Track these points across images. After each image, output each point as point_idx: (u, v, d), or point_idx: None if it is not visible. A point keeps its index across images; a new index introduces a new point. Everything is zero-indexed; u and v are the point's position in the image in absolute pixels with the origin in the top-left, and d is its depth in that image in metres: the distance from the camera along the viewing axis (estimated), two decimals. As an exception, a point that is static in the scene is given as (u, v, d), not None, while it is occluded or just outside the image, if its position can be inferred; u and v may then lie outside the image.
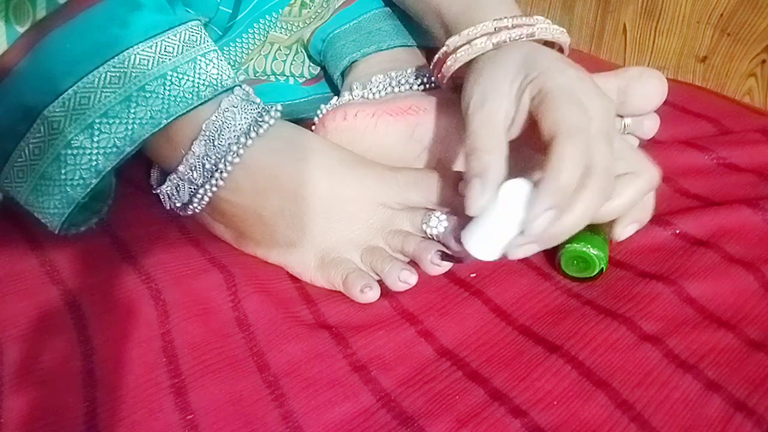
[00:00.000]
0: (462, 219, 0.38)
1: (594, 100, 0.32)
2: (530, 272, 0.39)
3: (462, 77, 0.37)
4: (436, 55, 0.40)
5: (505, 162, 0.32)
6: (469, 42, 0.37)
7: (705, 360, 0.32)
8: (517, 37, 0.36)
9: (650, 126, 0.47)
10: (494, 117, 0.33)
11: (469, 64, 0.37)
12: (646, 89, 0.44)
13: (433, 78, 0.43)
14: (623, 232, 0.36)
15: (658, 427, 0.29)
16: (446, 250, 0.37)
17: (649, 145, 0.49)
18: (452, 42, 0.38)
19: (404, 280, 0.37)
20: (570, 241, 0.37)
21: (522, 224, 0.30)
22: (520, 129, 0.33)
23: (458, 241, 0.33)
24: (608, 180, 0.30)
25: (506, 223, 0.31)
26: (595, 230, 0.38)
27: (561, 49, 0.40)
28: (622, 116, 0.47)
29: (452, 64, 0.38)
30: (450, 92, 0.41)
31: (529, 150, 0.35)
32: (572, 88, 0.32)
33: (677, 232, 0.41)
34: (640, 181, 0.32)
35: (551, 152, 0.30)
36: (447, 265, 0.37)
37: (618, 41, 0.67)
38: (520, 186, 0.31)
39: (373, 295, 0.37)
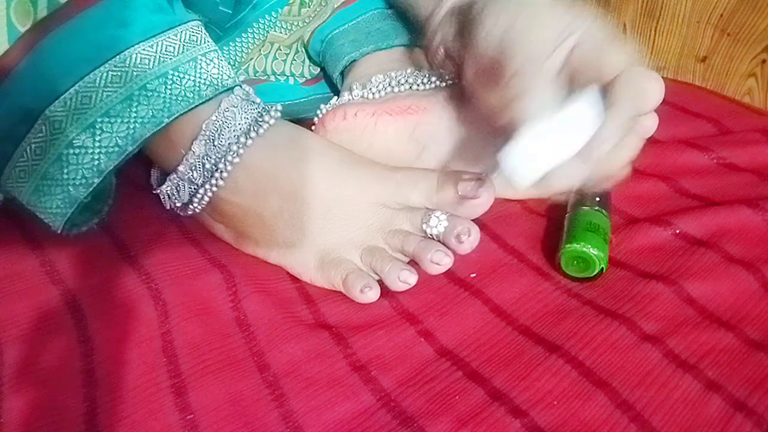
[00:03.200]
0: (461, 219, 0.38)
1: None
2: (530, 272, 0.39)
3: (451, 50, 0.36)
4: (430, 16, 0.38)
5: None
6: None
7: (705, 360, 0.32)
8: None
9: (649, 125, 0.47)
10: (547, 46, 0.31)
11: (469, 10, 0.36)
12: (644, 89, 0.44)
13: (432, 77, 0.43)
14: (650, 123, 0.35)
15: (658, 427, 0.29)
16: (446, 250, 0.37)
17: (649, 145, 0.49)
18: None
19: (404, 280, 0.37)
20: (570, 241, 0.37)
21: (580, 146, 0.29)
22: (561, 66, 0.32)
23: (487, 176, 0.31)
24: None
25: (569, 139, 0.29)
26: (595, 230, 0.38)
27: None
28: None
29: None
30: (444, 82, 0.41)
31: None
32: (618, 42, 0.33)
33: (677, 232, 0.41)
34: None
35: (624, 83, 0.30)
36: (447, 265, 0.37)
37: (618, 41, 0.66)
38: (593, 100, 0.29)
39: (373, 295, 0.37)
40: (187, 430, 0.30)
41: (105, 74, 0.34)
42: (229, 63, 0.47)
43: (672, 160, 0.48)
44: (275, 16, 0.50)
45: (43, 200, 0.36)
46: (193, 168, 0.37)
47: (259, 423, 0.31)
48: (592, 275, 0.37)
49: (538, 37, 0.31)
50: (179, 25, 0.36)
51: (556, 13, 0.32)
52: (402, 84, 0.45)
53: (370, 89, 0.45)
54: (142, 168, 0.46)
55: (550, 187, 0.30)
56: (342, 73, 0.49)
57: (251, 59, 0.51)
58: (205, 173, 0.37)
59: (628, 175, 0.37)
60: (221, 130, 0.37)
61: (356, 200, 0.38)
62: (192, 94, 0.36)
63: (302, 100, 0.52)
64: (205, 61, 0.36)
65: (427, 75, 0.45)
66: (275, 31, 0.51)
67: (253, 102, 0.38)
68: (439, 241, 0.38)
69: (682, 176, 0.47)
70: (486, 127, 0.38)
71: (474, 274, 0.39)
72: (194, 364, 0.33)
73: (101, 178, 0.35)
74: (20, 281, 0.38)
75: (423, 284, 0.38)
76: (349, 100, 0.45)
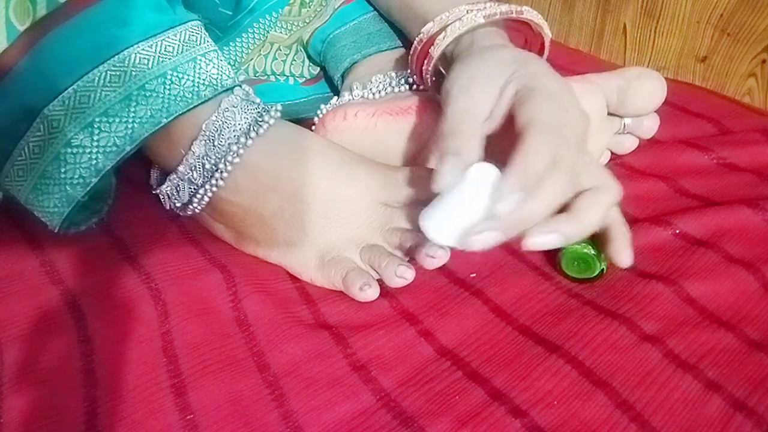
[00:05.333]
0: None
1: (575, 111, 0.33)
2: (530, 272, 0.39)
3: (441, 75, 0.38)
4: (414, 43, 0.40)
5: (481, 149, 0.33)
6: (445, 27, 0.37)
7: (705, 360, 0.32)
8: (506, 10, 0.37)
9: (650, 126, 0.47)
10: (477, 105, 0.34)
11: (452, 59, 0.38)
12: (645, 89, 0.44)
13: (411, 79, 0.44)
14: (624, 256, 0.35)
15: (658, 427, 0.29)
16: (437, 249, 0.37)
17: (649, 145, 0.49)
18: (427, 29, 0.38)
19: (401, 275, 0.37)
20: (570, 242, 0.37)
21: (485, 210, 0.30)
22: (496, 124, 0.34)
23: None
24: (572, 176, 0.31)
25: (470, 205, 0.30)
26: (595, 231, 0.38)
27: (542, 47, 0.42)
28: (621, 116, 0.47)
29: (441, 43, 0.38)
30: (433, 91, 0.42)
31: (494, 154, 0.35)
32: (558, 94, 0.33)
33: (677, 232, 0.41)
34: (603, 195, 0.33)
35: (523, 141, 0.30)
36: (442, 257, 0.37)
37: (618, 41, 0.67)
38: (488, 170, 0.31)
39: (372, 293, 0.37)
40: (187, 430, 0.30)
41: (104, 74, 0.34)
42: (229, 63, 0.47)
43: (672, 160, 0.48)
44: (275, 16, 0.50)
45: (40, 199, 0.36)
46: (193, 168, 0.37)
47: (259, 423, 0.31)
48: (592, 276, 0.37)
49: (465, 104, 0.34)
50: (179, 25, 0.36)
51: (492, 74, 0.34)
52: (402, 84, 0.45)
53: (371, 89, 0.45)
54: (142, 168, 0.45)
55: (470, 246, 0.31)
56: (343, 75, 0.49)
57: (251, 59, 0.51)
58: (205, 173, 0.37)
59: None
60: (221, 131, 0.37)
61: (356, 199, 0.38)
62: (191, 95, 0.36)
63: (302, 100, 0.52)
64: (205, 62, 0.36)
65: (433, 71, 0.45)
66: (275, 31, 0.51)
67: (253, 102, 0.38)
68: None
69: (682, 176, 0.47)
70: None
71: (474, 274, 0.39)
72: (194, 364, 0.33)
73: (99, 178, 0.35)
74: (20, 281, 0.38)
75: (423, 284, 0.38)
76: (349, 100, 0.45)
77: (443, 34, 0.38)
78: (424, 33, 0.40)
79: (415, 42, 0.40)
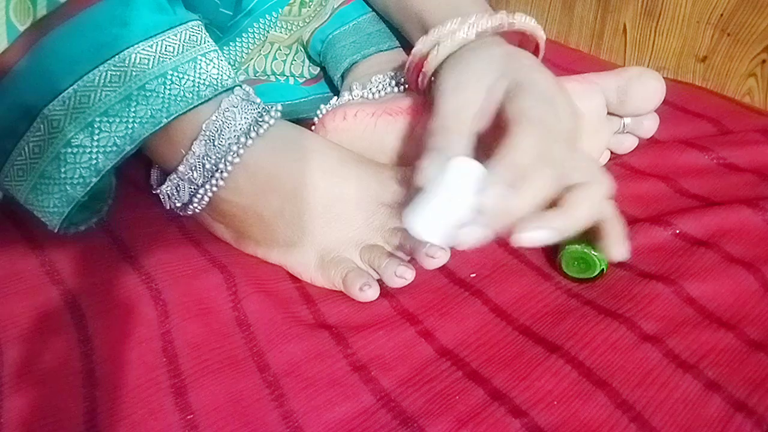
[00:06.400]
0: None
1: (565, 107, 0.33)
2: (530, 272, 0.39)
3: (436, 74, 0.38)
4: (409, 59, 0.40)
5: (469, 146, 0.33)
6: (451, 34, 0.37)
7: (705, 360, 0.32)
8: (496, 23, 0.37)
9: (649, 126, 0.47)
10: (467, 103, 0.34)
11: (444, 61, 0.38)
12: (645, 89, 0.44)
13: (404, 81, 0.44)
14: (619, 250, 0.35)
15: (658, 427, 0.29)
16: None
17: (649, 145, 0.50)
18: (424, 41, 0.38)
19: (400, 275, 0.37)
20: (571, 242, 0.37)
21: (469, 205, 0.30)
22: (486, 120, 0.34)
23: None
24: (559, 171, 0.31)
25: (452, 200, 0.30)
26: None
27: (537, 48, 0.41)
28: (621, 116, 0.47)
29: (434, 60, 0.38)
30: (428, 93, 0.42)
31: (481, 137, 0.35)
32: (547, 89, 0.33)
33: (677, 232, 0.41)
34: (593, 189, 0.32)
35: (510, 136, 0.30)
36: (443, 258, 0.37)
37: (618, 41, 0.67)
38: (469, 164, 0.30)
39: (372, 293, 0.37)
40: (187, 430, 0.30)
41: (104, 74, 0.34)
42: (230, 63, 0.47)
43: (672, 160, 0.48)
44: (275, 16, 0.50)
45: (40, 199, 0.36)
46: (193, 168, 0.37)
47: (259, 423, 0.31)
48: (592, 276, 0.37)
49: (455, 103, 0.34)
50: (179, 25, 0.36)
51: (482, 72, 0.34)
52: (402, 84, 0.45)
53: (370, 89, 0.45)
54: (142, 168, 0.46)
55: (457, 243, 0.30)
56: (343, 75, 0.49)
57: (251, 59, 0.51)
58: (206, 173, 0.37)
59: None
60: (221, 131, 0.37)
61: (356, 200, 0.38)
62: (191, 95, 0.36)
63: (302, 100, 0.52)
64: (205, 62, 0.36)
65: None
66: (275, 31, 0.51)
67: (253, 102, 0.38)
68: None
69: (682, 176, 0.47)
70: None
71: (474, 274, 0.39)
72: (194, 364, 0.33)
73: (99, 178, 0.35)
74: (20, 281, 0.38)
75: (423, 284, 0.38)
76: (349, 100, 0.45)
77: (435, 50, 0.38)
78: (415, 54, 0.39)
79: (408, 61, 0.40)
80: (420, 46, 0.39)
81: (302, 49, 0.53)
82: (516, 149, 0.30)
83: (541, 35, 0.40)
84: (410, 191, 0.38)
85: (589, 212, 0.32)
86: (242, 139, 0.37)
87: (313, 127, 0.44)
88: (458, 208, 0.30)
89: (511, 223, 0.30)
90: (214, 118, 0.37)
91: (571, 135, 0.33)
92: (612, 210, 0.36)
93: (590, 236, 0.37)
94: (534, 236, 0.30)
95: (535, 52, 0.42)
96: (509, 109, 0.32)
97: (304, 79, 0.53)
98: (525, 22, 0.38)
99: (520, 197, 0.29)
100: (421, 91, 0.42)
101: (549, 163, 0.30)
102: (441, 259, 0.37)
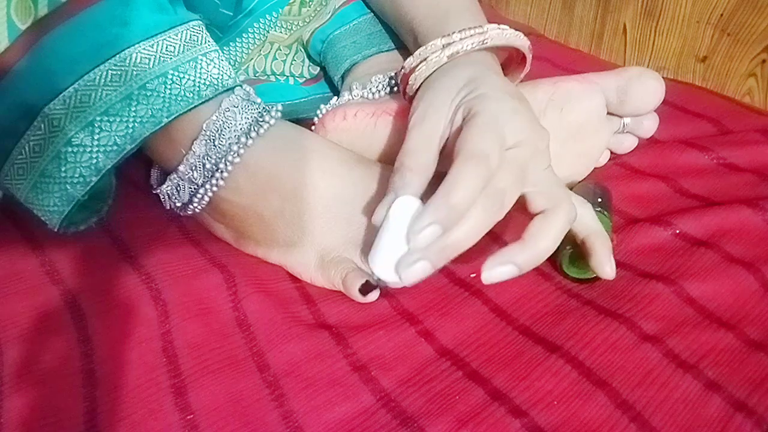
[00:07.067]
0: None
1: (520, 131, 0.32)
2: (530, 272, 0.39)
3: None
4: (399, 73, 0.40)
5: (426, 184, 0.33)
6: (424, 60, 0.38)
7: (705, 360, 0.32)
8: (469, 47, 0.37)
9: (649, 126, 0.47)
10: (430, 135, 0.34)
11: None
12: (645, 89, 0.44)
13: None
14: (606, 269, 0.35)
15: (658, 427, 0.29)
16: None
17: (649, 145, 0.50)
18: (408, 63, 0.39)
19: None
20: (571, 242, 0.37)
21: (408, 243, 0.30)
22: (449, 151, 0.34)
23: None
24: (497, 200, 0.31)
25: (395, 238, 0.31)
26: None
27: (523, 59, 0.41)
28: (620, 116, 0.47)
29: (414, 83, 0.39)
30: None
31: None
32: (498, 115, 0.33)
33: (677, 232, 0.41)
34: (554, 217, 0.32)
35: (450, 171, 0.31)
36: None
37: (618, 41, 0.67)
38: (409, 202, 0.31)
39: (372, 294, 0.37)
40: (187, 430, 0.30)
41: (105, 73, 0.34)
42: (230, 63, 0.47)
43: (672, 160, 0.48)
44: (275, 16, 0.50)
45: (40, 198, 0.36)
46: (194, 168, 0.37)
47: (259, 423, 0.31)
48: (592, 276, 0.37)
49: (419, 134, 0.34)
50: (180, 24, 0.36)
51: (443, 101, 0.35)
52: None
53: (370, 89, 0.45)
54: (142, 168, 0.46)
55: (405, 280, 0.31)
56: (343, 76, 0.49)
57: (251, 59, 0.51)
58: (206, 173, 0.37)
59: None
60: (222, 130, 0.37)
61: (356, 200, 0.38)
62: (192, 94, 0.36)
63: (302, 100, 0.52)
64: (206, 61, 0.36)
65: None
66: (275, 31, 0.51)
67: (254, 102, 0.38)
68: None
69: (682, 176, 0.47)
70: None
71: (474, 274, 0.39)
72: (194, 364, 0.33)
73: (99, 177, 0.35)
74: (20, 281, 0.38)
75: (423, 284, 0.38)
76: (349, 100, 0.45)
77: (416, 73, 0.38)
78: (405, 68, 0.39)
79: (400, 71, 0.40)
80: (410, 61, 0.39)
81: (302, 49, 0.53)
82: (451, 186, 0.30)
83: (521, 44, 0.39)
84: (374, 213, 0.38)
85: (553, 242, 0.32)
86: (242, 139, 0.37)
87: (313, 127, 0.44)
88: (399, 247, 0.31)
89: (453, 257, 0.30)
90: (214, 117, 0.37)
91: (527, 159, 0.32)
92: (596, 224, 0.36)
93: (578, 251, 0.37)
94: (498, 273, 0.31)
95: (522, 61, 0.42)
96: (456, 142, 0.32)
97: (304, 79, 0.53)
98: (498, 35, 0.38)
99: (457, 233, 0.30)
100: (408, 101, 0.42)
101: (490, 196, 0.30)
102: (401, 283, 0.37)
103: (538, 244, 0.32)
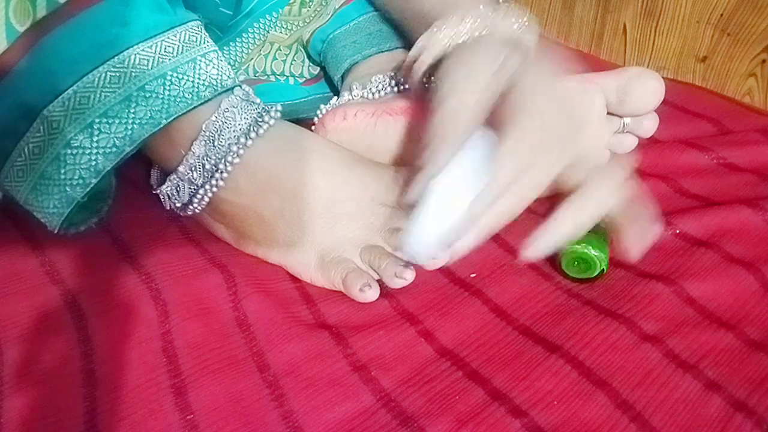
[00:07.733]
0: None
1: (564, 106, 0.33)
2: (530, 272, 0.39)
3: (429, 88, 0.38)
4: (408, 56, 0.40)
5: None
6: (451, 29, 0.37)
7: (705, 360, 0.32)
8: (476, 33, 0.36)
9: (649, 126, 0.47)
10: (463, 104, 0.34)
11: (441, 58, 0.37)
12: (645, 89, 0.44)
13: (402, 81, 0.44)
14: (633, 253, 0.36)
15: (658, 427, 0.29)
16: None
17: (649, 145, 0.49)
18: (424, 37, 0.38)
19: (400, 275, 0.37)
20: (571, 242, 0.37)
21: (459, 217, 0.31)
22: (485, 115, 0.34)
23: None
24: (544, 177, 0.32)
25: (444, 215, 0.31)
26: (595, 231, 0.38)
27: None
28: (620, 116, 0.47)
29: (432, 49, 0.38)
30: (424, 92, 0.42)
31: None
32: (545, 89, 0.33)
33: (677, 232, 0.41)
34: (614, 171, 0.33)
35: (504, 133, 0.31)
36: (443, 259, 0.37)
37: (618, 41, 0.67)
38: (455, 179, 0.32)
39: (372, 294, 0.37)
40: (187, 430, 0.30)
41: (104, 74, 0.34)
42: (229, 63, 0.47)
43: (672, 160, 0.48)
44: (275, 16, 0.50)
45: (40, 200, 0.36)
46: (193, 168, 0.37)
47: (259, 423, 0.31)
48: (592, 276, 0.37)
49: (453, 106, 0.34)
50: (179, 25, 0.36)
51: (479, 70, 0.34)
52: (402, 84, 0.45)
53: (370, 89, 0.45)
54: (142, 168, 0.45)
55: (453, 254, 0.32)
56: (343, 76, 0.49)
57: (251, 59, 0.51)
58: (205, 174, 0.37)
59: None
60: (221, 131, 0.37)
61: (356, 200, 0.38)
62: (190, 96, 0.36)
63: (302, 100, 0.52)
64: (205, 62, 0.36)
65: (426, 75, 0.45)
66: (275, 31, 0.51)
67: (253, 102, 0.38)
68: None
69: (682, 176, 0.47)
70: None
71: (474, 274, 0.39)
72: (194, 364, 0.33)
73: (98, 179, 0.35)
74: (20, 281, 0.38)
75: (423, 284, 0.38)
76: (349, 100, 0.45)
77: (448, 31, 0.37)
78: (413, 55, 0.39)
79: (407, 57, 0.40)
80: (422, 42, 0.38)
81: (302, 49, 0.53)
82: (500, 163, 0.31)
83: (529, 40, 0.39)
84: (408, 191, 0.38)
85: (611, 194, 0.33)
86: (242, 140, 0.37)
87: (313, 127, 0.44)
88: (446, 222, 0.31)
89: (500, 225, 0.31)
90: (213, 118, 0.37)
91: (570, 131, 0.33)
92: (633, 209, 0.36)
93: (604, 231, 0.37)
94: (540, 248, 0.32)
95: None
96: (501, 116, 0.32)
97: (304, 79, 0.53)
98: (513, 29, 0.37)
99: (503, 204, 0.31)
100: (418, 87, 0.41)
101: (534, 173, 0.31)
102: (441, 260, 0.37)
103: (597, 194, 0.33)
